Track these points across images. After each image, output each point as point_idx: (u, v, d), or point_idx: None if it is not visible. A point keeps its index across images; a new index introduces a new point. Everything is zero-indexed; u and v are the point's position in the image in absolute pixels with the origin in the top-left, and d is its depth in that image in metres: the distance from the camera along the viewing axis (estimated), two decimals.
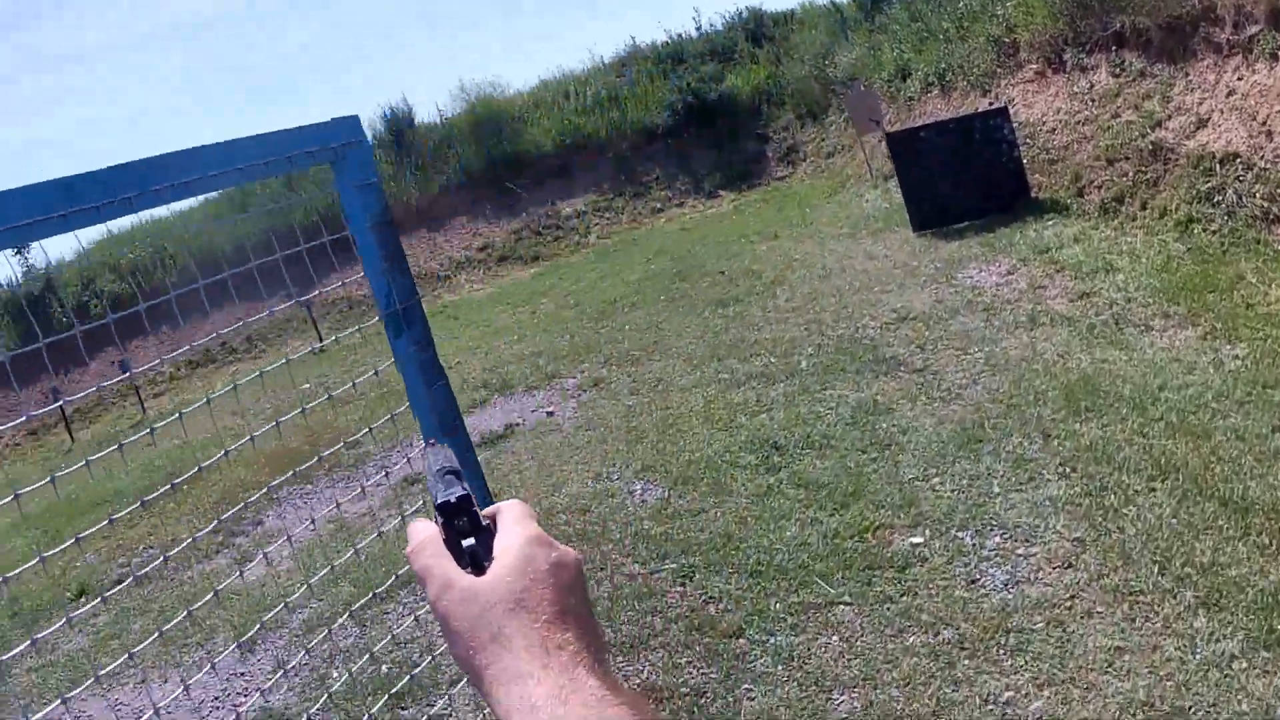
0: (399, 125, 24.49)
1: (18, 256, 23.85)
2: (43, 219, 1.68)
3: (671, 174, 22.56)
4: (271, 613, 6.57)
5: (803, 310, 10.70)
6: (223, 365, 21.85)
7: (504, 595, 0.89)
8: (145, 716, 6.08)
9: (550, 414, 9.79)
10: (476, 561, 0.94)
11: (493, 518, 1.00)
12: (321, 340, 19.94)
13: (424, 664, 5.33)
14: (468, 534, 0.97)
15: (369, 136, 17.40)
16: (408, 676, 5.02)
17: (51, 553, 2.41)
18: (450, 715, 4.90)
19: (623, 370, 10.53)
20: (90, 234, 25.38)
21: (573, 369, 11.17)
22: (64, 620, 2.46)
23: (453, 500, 0.99)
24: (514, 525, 0.97)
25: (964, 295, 9.53)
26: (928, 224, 12.41)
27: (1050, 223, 10.98)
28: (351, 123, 2.25)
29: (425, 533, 0.98)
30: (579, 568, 0.96)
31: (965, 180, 12.02)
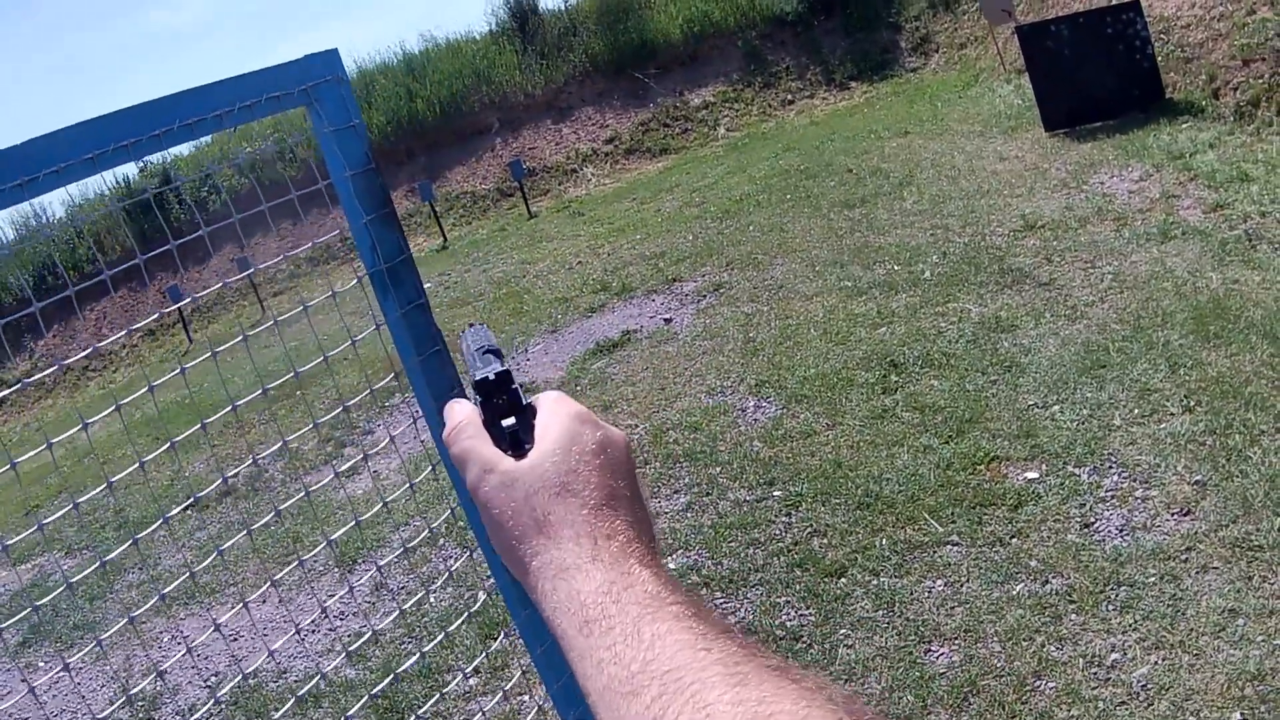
0: (522, 12, 24.12)
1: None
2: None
3: (802, 64, 22.02)
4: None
5: (929, 214, 10.45)
6: (344, 261, 21.93)
7: (548, 479, 0.84)
8: (216, 639, 6.28)
9: (668, 321, 9.74)
10: (517, 442, 0.89)
11: (533, 402, 0.94)
12: (445, 237, 20.07)
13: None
14: (507, 413, 0.92)
15: (492, 23, 17.28)
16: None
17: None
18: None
19: (744, 274, 10.43)
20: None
21: (694, 272, 11.09)
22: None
23: (491, 377, 0.94)
24: (555, 404, 0.91)
25: (1094, 202, 9.20)
26: (1060, 123, 11.98)
27: (1185, 125, 10.51)
28: (328, 58, 2.08)
29: (463, 414, 0.94)
30: (628, 448, 0.90)
31: (1097, 78, 11.55)
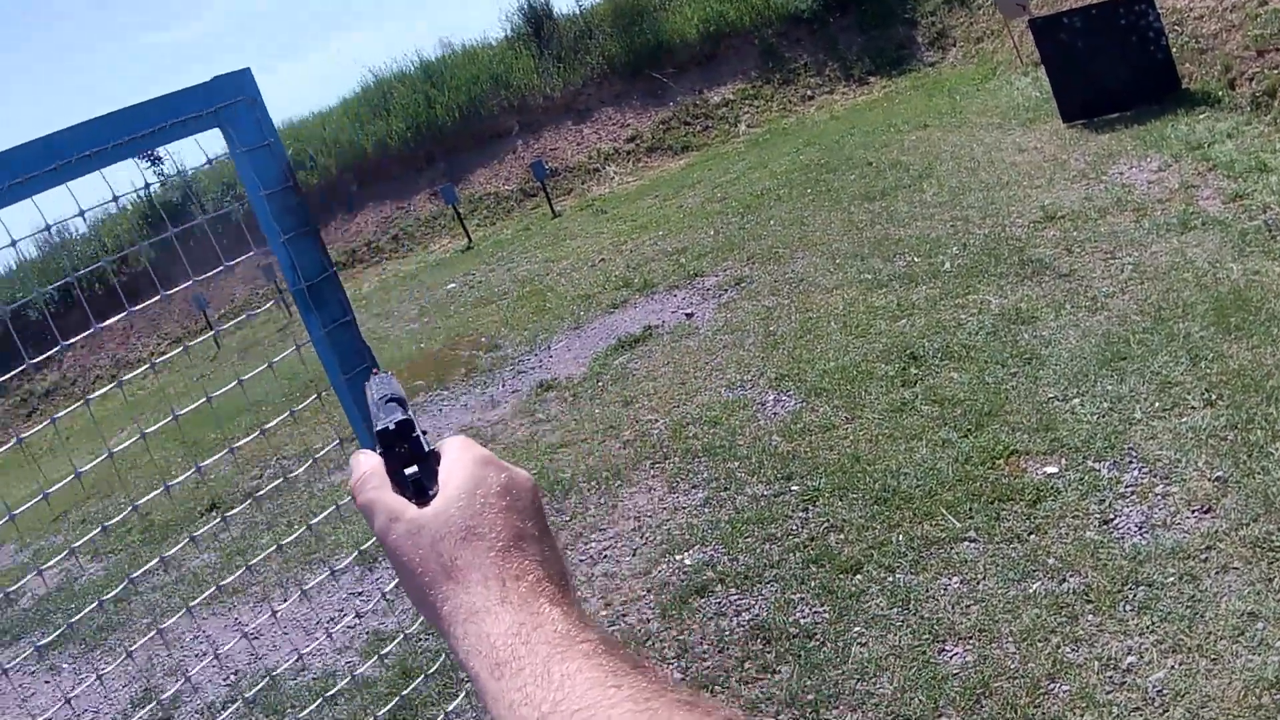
0: (537, 17, 24.12)
1: (151, 166, 24.08)
2: None
3: (820, 61, 21.90)
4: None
5: (949, 206, 10.39)
6: (370, 265, 22.03)
7: (454, 524, 0.84)
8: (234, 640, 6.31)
9: (689, 316, 9.74)
10: (421, 490, 0.89)
11: (436, 449, 0.94)
12: (470, 238, 20.12)
13: None
14: (410, 462, 0.92)
15: (507, 29, 17.26)
16: None
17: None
18: None
19: (764, 268, 10.41)
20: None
21: (715, 267, 11.09)
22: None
23: (391, 427, 0.93)
24: (459, 450, 0.91)
25: (1114, 193, 9.11)
26: (1077, 114, 11.87)
27: (1202, 116, 10.38)
28: (240, 79, 2.05)
29: (367, 464, 0.93)
30: (534, 489, 0.90)
31: (1111, 69, 11.42)
